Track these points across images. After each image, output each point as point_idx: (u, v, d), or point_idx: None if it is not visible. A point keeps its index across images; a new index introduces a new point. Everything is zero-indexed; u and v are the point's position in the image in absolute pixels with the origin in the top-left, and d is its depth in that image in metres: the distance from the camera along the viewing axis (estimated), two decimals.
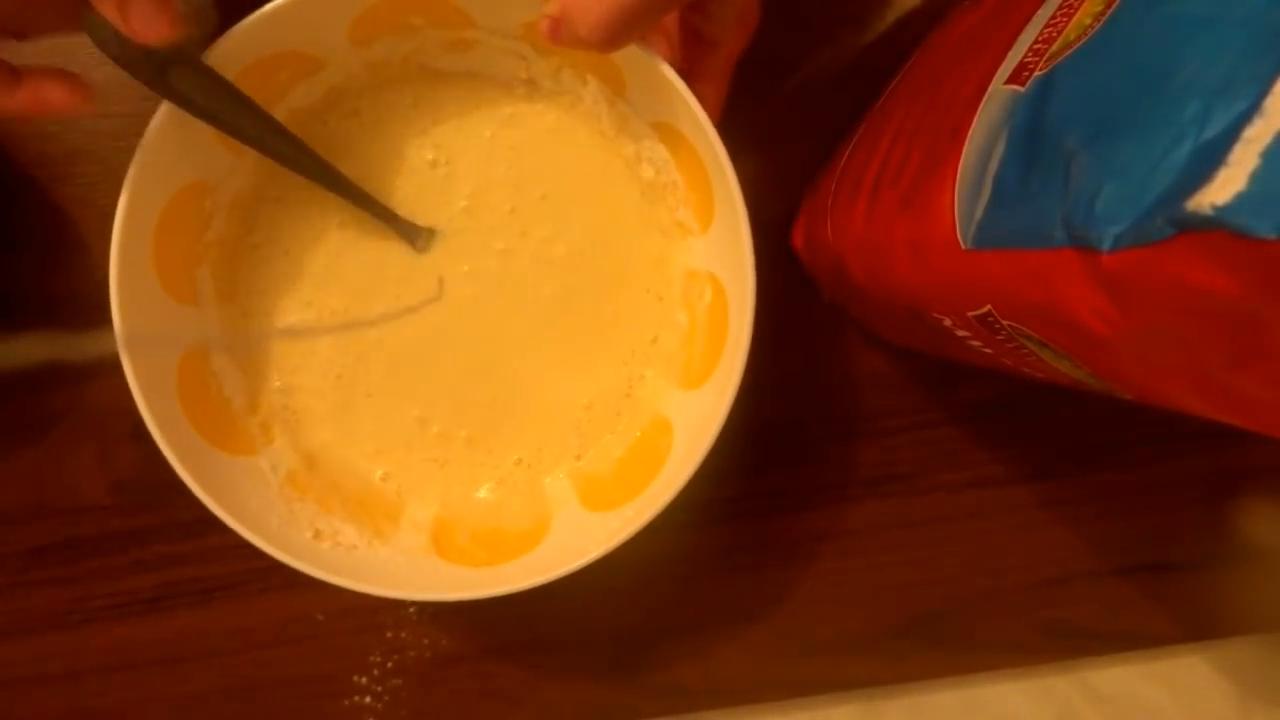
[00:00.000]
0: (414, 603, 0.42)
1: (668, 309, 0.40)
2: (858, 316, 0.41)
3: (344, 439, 0.39)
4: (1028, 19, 0.28)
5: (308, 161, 0.36)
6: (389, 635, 0.42)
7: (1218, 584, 0.43)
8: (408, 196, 0.39)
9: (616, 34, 0.29)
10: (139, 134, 0.33)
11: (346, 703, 0.42)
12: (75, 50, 0.40)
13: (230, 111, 0.34)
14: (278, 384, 0.39)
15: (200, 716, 0.42)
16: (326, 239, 0.39)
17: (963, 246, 0.26)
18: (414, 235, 0.39)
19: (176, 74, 0.32)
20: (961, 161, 0.27)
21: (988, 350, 0.30)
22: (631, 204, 0.39)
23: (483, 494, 0.40)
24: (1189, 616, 0.43)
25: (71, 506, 0.41)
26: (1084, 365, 0.24)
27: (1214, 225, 0.17)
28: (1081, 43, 0.24)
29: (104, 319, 0.33)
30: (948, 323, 0.30)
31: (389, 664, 0.42)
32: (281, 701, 0.42)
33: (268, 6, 0.33)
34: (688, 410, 0.37)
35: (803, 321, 0.42)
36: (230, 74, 0.33)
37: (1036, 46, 0.26)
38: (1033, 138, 0.24)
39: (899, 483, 0.42)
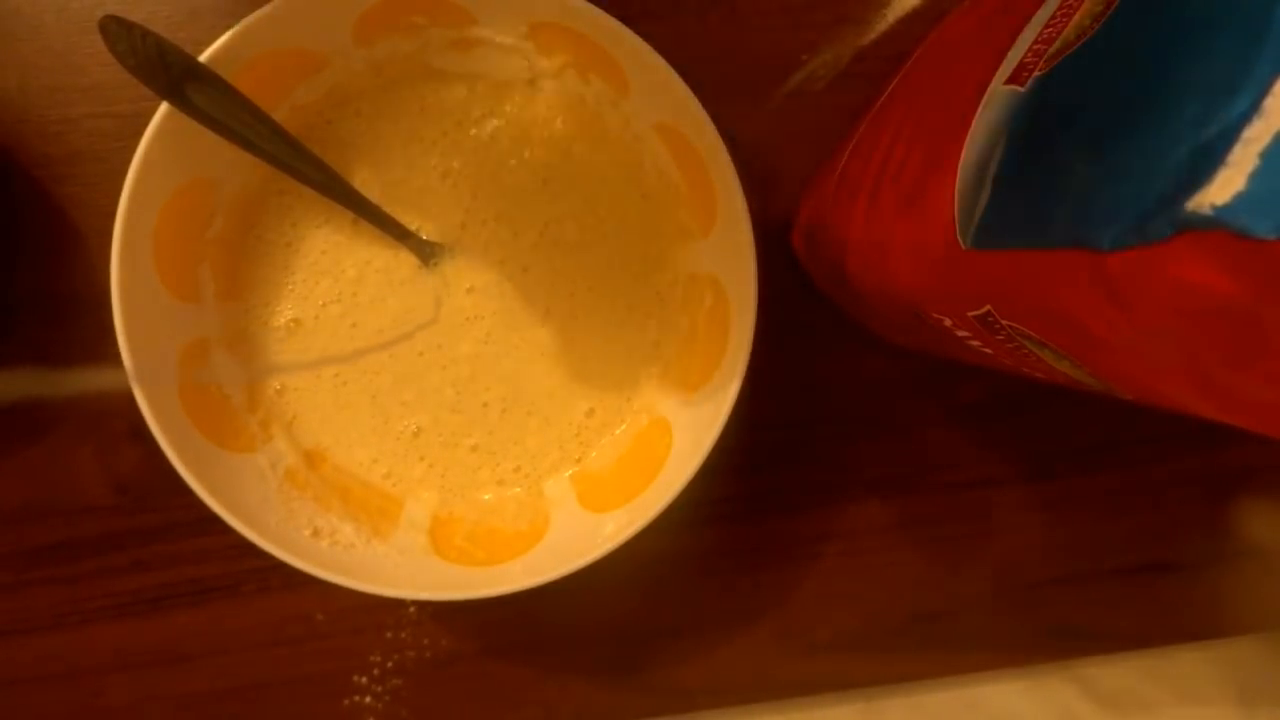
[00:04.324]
0: (414, 602, 0.42)
1: (669, 312, 0.40)
2: (858, 318, 0.41)
3: (343, 440, 0.39)
4: (1028, 19, 0.28)
5: (322, 177, 0.36)
6: (389, 635, 0.42)
7: (1218, 584, 0.43)
8: (415, 205, 0.39)
9: None
10: (139, 134, 0.33)
11: (346, 703, 0.42)
12: (72, 51, 0.40)
13: (246, 126, 0.34)
14: (276, 383, 0.39)
15: (200, 716, 0.42)
16: (329, 233, 0.39)
17: (963, 246, 0.26)
18: (426, 253, 0.38)
19: (193, 88, 0.32)
20: (961, 162, 0.27)
21: (988, 350, 0.30)
22: (633, 207, 0.39)
23: (481, 496, 0.40)
24: (1189, 616, 0.43)
25: (71, 506, 0.41)
26: (1084, 365, 0.24)
27: (1213, 225, 0.17)
28: (1081, 43, 0.24)
29: (104, 319, 0.33)
30: (948, 323, 0.30)
31: (389, 664, 0.42)
32: (281, 701, 0.42)
33: (273, 3, 0.33)
34: (688, 413, 0.37)
35: (803, 321, 0.42)
36: (234, 70, 0.33)
37: (1036, 47, 0.26)
38: (1033, 138, 0.24)
39: (899, 483, 0.42)
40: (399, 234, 0.38)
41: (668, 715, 0.43)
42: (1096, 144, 0.21)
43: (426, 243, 0.38)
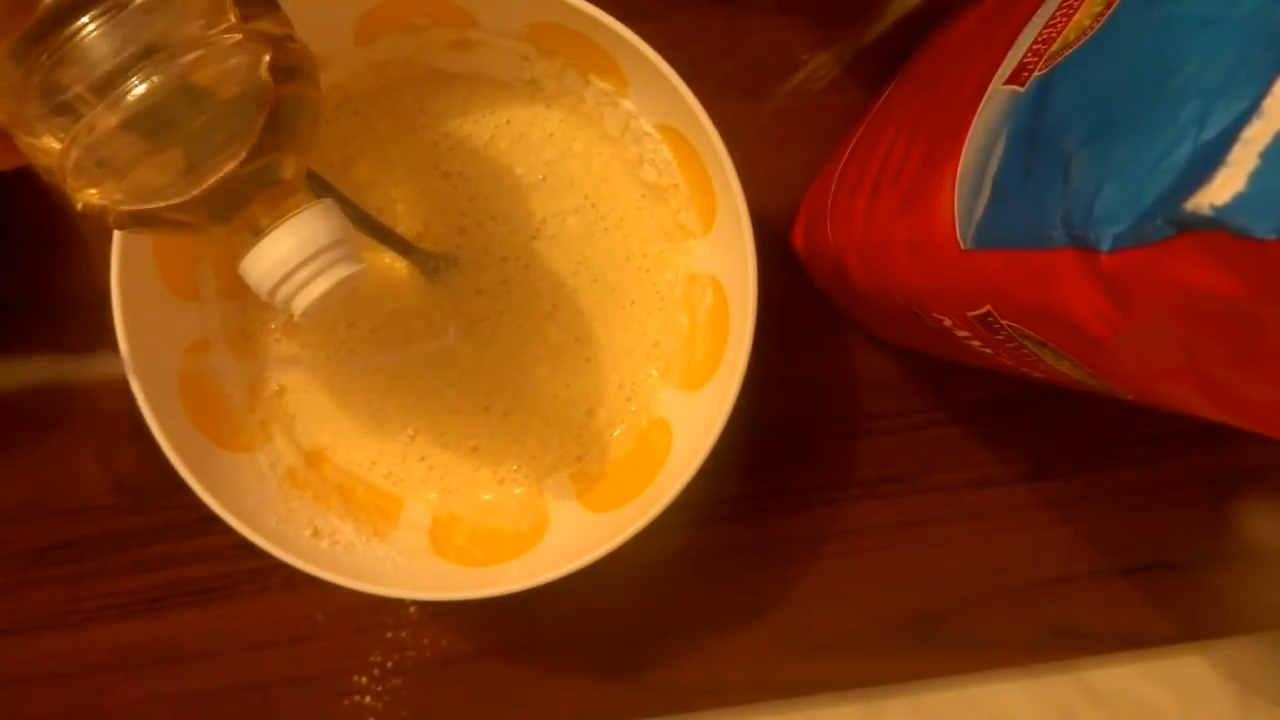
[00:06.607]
0: (414, 602, 0.42)
1: (669, 312, 0.40)
2: (858, 318, 0.41)
3: (343, 440, 0.39)
4: (1028, 19, 0.28)
5: (319, 189, 0.36)
6: (389, 635, 0.42)
7: (1218, 584, 0.43)
8: (415, 205, 0.39)
9: None
10: None
11: (346, 703, 0.42)
12: None
13: None
14: (276, 383, 0.39)
15: (200, 716, 0.42)
16: None
17: (962, 246, 0.26)
18: (430, 267, 0.38)
19: None
20: (961, 161, 0.27)
21: (988, 350, 0.30)
22: (633, 206, 0.39)
23: (482, 496, 0.40)
24: (1189, 616, 0.43)
25: (71, 506, 0.41)
26: (1084, 365, 0.24)
27: (1213, 226, 0.17)
28: (1081, 43, 0.24)
29: (105, 319, 0.33)
30: (948, 323, 0.30)
31: (389, 664, 0.42)
32: (281, 701, 0.42)
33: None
34: (688, 412, 0.37)
35: (803, 321, 0.42)
36: None
37: (1036, 46, 0.26)
38: (1032, 138, 0.24)
39: (899, 483, 0.42)
40: (402, 249, 0.38)
41: (668, 715, 0.43)
42: (1096, 144, 0.21)
43: (428, 255, 0.38)
